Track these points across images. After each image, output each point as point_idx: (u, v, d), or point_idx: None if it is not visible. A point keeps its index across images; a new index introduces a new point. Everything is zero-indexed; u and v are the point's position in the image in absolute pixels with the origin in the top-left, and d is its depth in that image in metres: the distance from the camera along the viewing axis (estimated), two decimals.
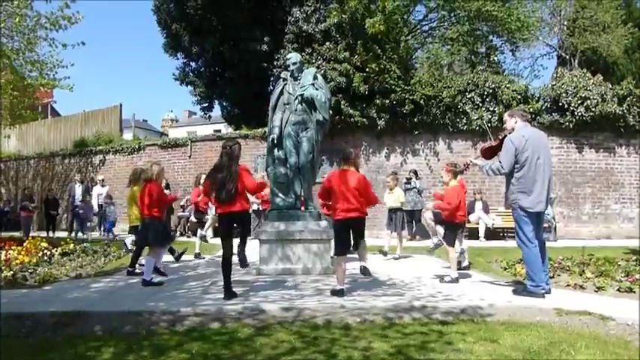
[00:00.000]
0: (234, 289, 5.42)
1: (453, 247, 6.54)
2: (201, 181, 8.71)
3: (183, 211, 14.30)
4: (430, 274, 6.94)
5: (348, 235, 5.63)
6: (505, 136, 5.52)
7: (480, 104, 13.10)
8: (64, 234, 14.12)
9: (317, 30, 15.16)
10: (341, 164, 5.88)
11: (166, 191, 14.44)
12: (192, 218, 11.01)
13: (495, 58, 19.42)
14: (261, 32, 16.79)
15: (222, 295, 5.31)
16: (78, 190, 15.10)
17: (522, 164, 5.28)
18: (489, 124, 12.08)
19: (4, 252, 8.21)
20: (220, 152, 5.62)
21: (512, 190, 5.37)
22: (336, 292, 5.42)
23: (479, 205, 12.59)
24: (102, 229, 14.76)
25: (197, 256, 8.86)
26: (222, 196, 5.40)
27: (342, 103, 13.12)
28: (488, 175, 5.74)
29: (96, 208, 14.76)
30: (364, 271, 6.83)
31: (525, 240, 5.28)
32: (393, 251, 8.93)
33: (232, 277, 5.46)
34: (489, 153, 5.81)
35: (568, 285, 5.93)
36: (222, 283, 5.44)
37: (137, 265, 7.06)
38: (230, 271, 5.44)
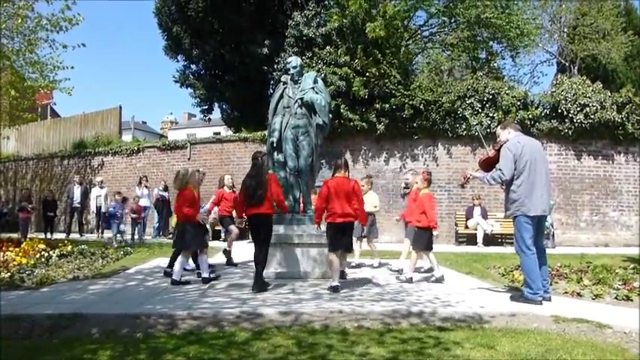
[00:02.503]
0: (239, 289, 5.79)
1: (417, 253, 6.90)
2: (225, 181, 8.72)
3: None
4: (429, 279, 6.94)
5: (342, 236, 6.11)
6: (501, 146, 5.55)
7: (480, 110, 13.10)
8: (62, 235, 14.09)
9: (317, 34, 15.22)
10: (336, 172, 6.25)
11: (165, 193, 14.63)
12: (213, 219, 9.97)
13: (495, 64, 19.44)
14: (261, 35, 16.83)
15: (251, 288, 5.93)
16: (77, 191, 15.13)
17: (522, 169, 5.30)
18: (488, 130, 12.10)
19: (1, 253, 8.22)
20: (252, 163, 6.37)
21: (513, 198, 5.37)
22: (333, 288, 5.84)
23: (477, 210, 12.61)
24: (100, 230, 14.77)
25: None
26: (252, 201, 6.08)
27: (341, 107, 13.14)
28: (490, 184, 5.74)
29: (94, 209, 14.79)
30: (342, 274, 6.52)
31: (524, 247, 5.29)
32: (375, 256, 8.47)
33: (231, 280, 5.45)
34: (487, 165, 5.83)
35: (566, 292, 5.94)
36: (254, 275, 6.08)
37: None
38: (260, 266, 6.08)
